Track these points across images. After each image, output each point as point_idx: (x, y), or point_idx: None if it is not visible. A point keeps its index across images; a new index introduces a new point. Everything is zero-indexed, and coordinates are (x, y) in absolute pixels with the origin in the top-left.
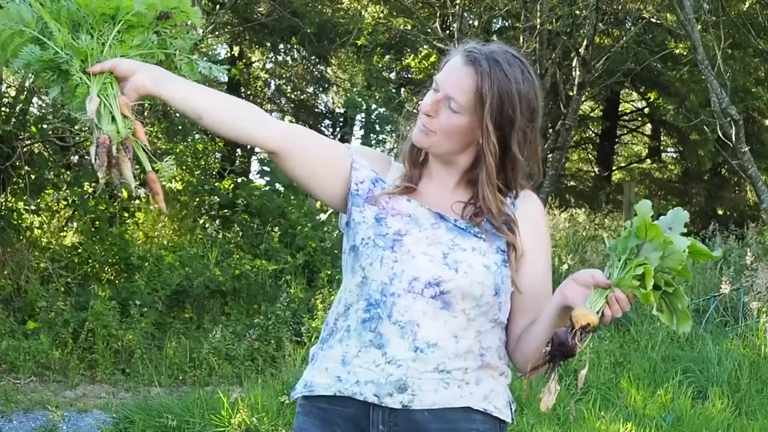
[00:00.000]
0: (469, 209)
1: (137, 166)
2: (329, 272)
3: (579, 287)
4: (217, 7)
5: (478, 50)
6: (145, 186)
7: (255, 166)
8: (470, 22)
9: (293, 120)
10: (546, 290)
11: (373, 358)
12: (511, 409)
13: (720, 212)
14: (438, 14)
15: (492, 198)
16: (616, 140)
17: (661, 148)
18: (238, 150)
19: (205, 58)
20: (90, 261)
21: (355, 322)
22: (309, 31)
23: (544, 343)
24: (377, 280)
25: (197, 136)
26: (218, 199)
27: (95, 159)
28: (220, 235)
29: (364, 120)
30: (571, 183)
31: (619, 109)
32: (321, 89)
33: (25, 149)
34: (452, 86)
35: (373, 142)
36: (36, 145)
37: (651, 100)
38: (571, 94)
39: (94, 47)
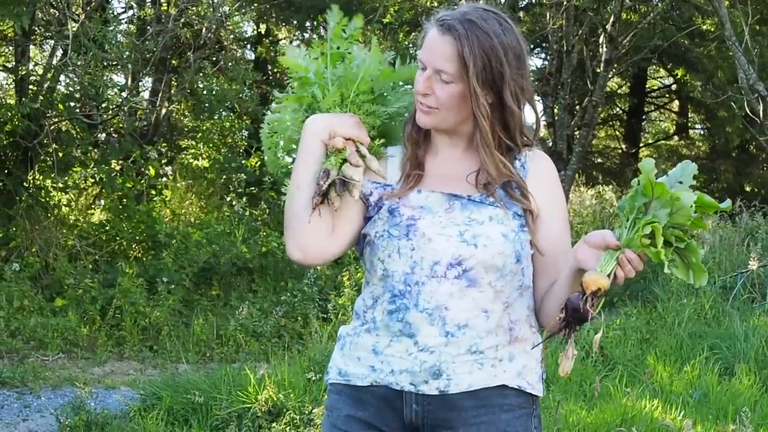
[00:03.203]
0: (483, 176)
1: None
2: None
3: (591, 249)
4: None
5: (450, 16)
6: (171, 164)
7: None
8: None
9: None
10: (565, 248)
11: (406, 347)
12: (543, 382)
13: (748, 189)
14: None
15: (490, 160)
16: (644, 117)
17: (689, 124)
18: None
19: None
20: (117, 238)
21: (381, 313)
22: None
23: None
24: (398, 270)
25: (224, 114)
26: (245, 177)
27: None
28: (247, 213)
29: None
30: (598, 160)
31: (647, 86)
32: None
33: (52, 127)
34: (437, 59)
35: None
36: (63, 122)
37: (678, 76)
38: (598, 70)
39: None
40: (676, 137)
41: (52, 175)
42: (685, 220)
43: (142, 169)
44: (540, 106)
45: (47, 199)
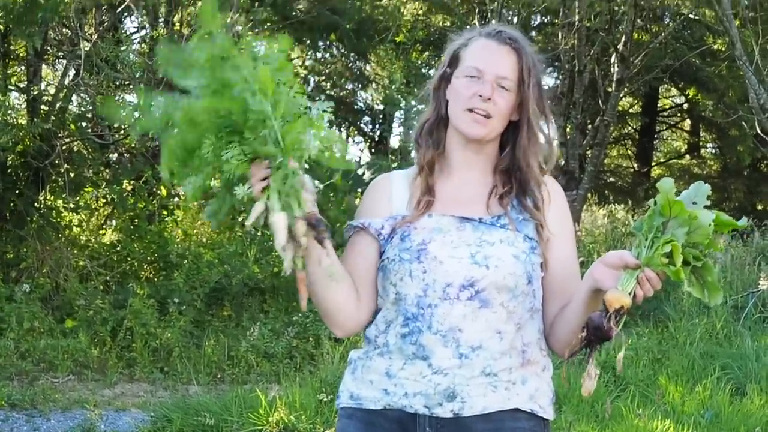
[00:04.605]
0: (499, 189)
1: None
2: None
3: (608, 269)
4: (257, 4)
5: (504, 30)
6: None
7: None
8: (509, 18)
9: (332, 118)
10: (574, 272)
11: (420, 370)
12: (553, 405)
13: (759, 208)
14: (477, 10)
15: (533, 159)
16: (655, 136)
17: (700, 143)
18: None
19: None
20: (129, 259)
21: (395, 337)
22: (348, 27)
23: (578, 327)
24: (411, 293)
25: None
26: None
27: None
28: (259, 233)
29: (402, 117)
30: (610, 179)
31: (658, 105)
32: (360, 86)
33: (64, 147)
34: (501, 67)
35: (412, 138)
36: (75, 143)
37: (690, 96)
38: (609, 90)
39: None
40: (687, 156)
41: (64, 196)
42: (702, 239)
43: (154, 189)
44: (553, 126)
45: (58, 219)
